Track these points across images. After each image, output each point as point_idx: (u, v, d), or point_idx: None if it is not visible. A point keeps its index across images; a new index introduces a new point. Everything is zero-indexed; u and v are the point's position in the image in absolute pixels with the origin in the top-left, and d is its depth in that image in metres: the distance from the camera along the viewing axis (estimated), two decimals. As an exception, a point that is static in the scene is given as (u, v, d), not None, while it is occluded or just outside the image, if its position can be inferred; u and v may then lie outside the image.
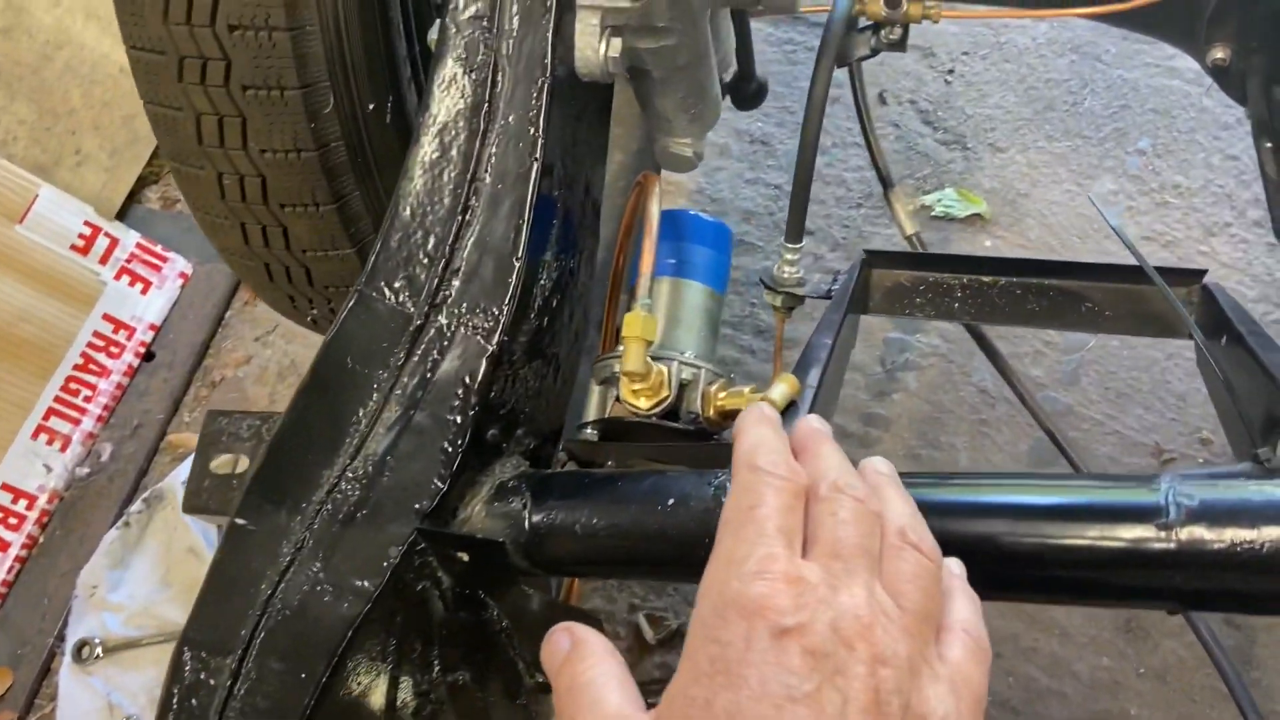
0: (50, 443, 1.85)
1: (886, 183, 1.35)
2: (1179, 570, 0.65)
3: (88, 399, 1.88)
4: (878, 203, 1.93)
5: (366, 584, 0.80)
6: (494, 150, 0.85)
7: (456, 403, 0.84)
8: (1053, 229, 1.89)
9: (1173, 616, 1.45)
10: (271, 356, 1.97)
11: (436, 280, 0.86)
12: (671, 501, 0.79)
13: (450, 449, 0.84)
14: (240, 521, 0.85)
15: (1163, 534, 0.65)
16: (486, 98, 0.85)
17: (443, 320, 0.86)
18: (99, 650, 1.73)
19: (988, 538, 0.68)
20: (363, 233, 1.10)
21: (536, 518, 0.84)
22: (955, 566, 0.62)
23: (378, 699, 0.75)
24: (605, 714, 0.55)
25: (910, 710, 0.51)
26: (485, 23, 0.85)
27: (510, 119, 0.85)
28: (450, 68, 0.86)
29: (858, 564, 0.54)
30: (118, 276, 1.93)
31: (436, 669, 0.83)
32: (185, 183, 1.08)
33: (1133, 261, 0.98)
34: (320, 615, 0.79)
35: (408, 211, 0.87)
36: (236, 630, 0.79)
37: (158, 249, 1.98)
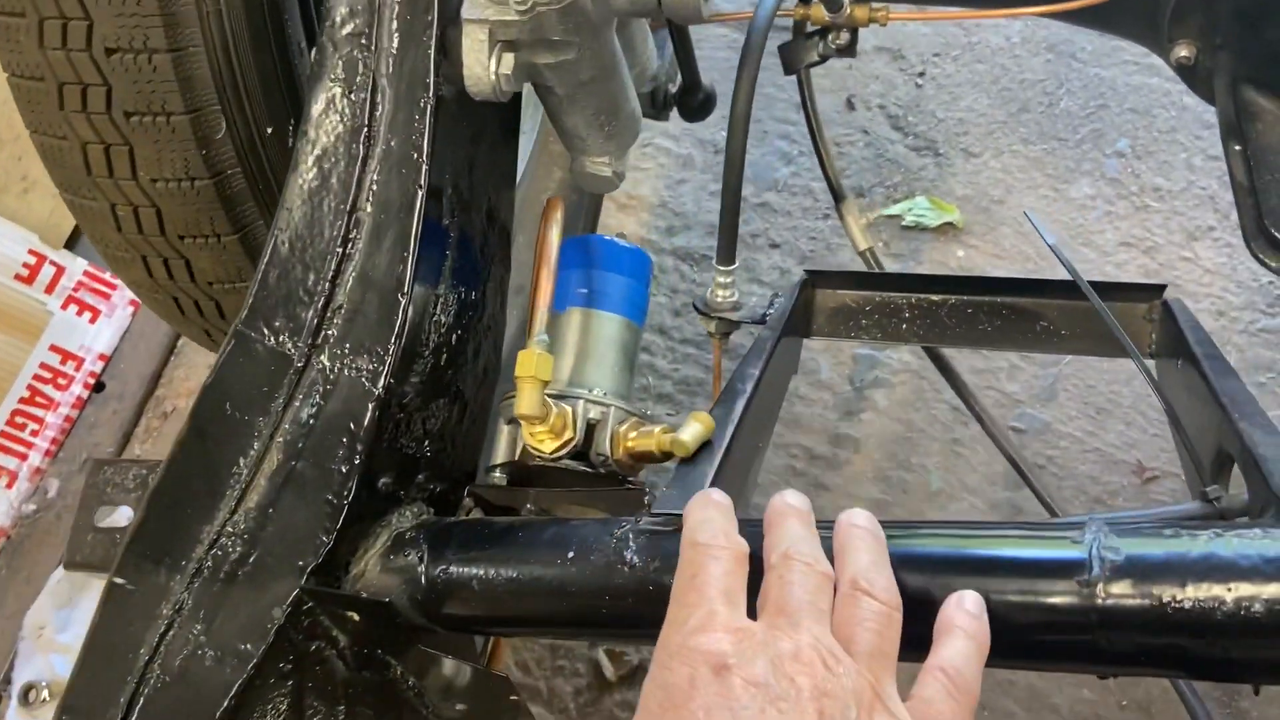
0: (-5, 479, 1.80)
1: (838, 195, 1.29)
2: (1102, 632, 0.59)
3: (34, 433, 1.83)
4: (847, 213, 1.86)
5: (249, 647, 0.76)
6: (375, 178, 0.79)
7: (341, 451, 0.78)
8: (1028, 237, 1.82)
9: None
10: (227, 384, 1.91)
11: (318, 319, 0.79)
12: (571, 554, 0.74)
13: (336, 501, 0.78)
14: (119, 581, 0.81)
15: (1085, 592, 0.59)
16: (366, 121, 0.79)
17: (325, 362, 0.79)
18: (46, 694, 1.67)
19: (900, 593, 0.61)
20: (270, 264, 1.05)
21: (434, 572, 0.79)
22: (972, 605, 0.60)
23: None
24: None
25: None
26: (364, 40, 0.79)
27: (392, 143, 0.79)
28: (329, 89, 0.80)
29: (802, 616, 0.57)
30: (65, 306, 1.87)
31: (343, 730, 0.79)
32: (80, 215, 1.03)
33: (1093, 277, 0.91)
34: (202, 681, 0.75)
35: (286, 245, 0.80)
36: (115, 698, 0.74)
37: (106, 276, 1.92)
